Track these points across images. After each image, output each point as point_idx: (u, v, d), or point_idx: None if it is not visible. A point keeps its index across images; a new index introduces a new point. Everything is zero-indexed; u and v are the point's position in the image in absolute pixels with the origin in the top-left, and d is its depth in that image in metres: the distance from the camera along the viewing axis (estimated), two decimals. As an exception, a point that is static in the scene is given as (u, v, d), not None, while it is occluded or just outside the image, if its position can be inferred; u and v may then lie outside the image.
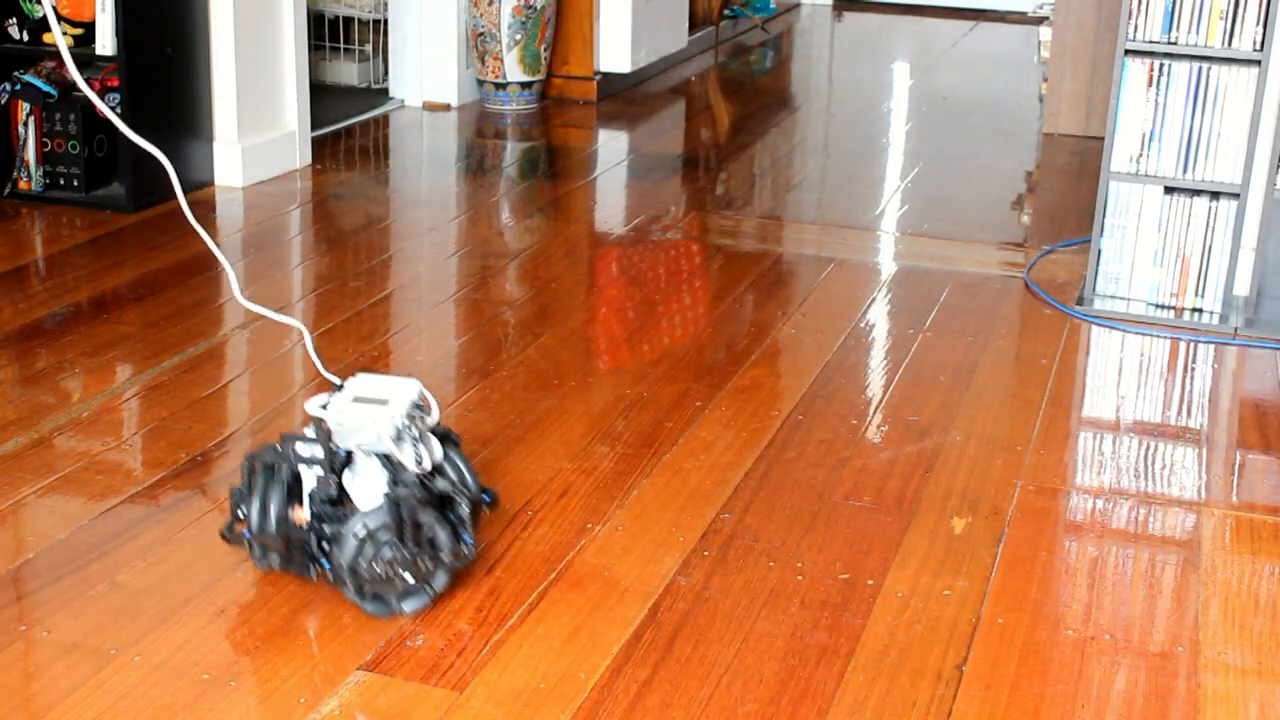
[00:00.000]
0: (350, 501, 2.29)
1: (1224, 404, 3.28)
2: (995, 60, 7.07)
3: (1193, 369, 3.44)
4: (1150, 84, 3.62)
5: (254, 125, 4.60)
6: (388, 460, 2.30)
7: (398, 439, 2.30)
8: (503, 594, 2.38)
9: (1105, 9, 5.40)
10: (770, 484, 2.77)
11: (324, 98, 5.53)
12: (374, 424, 2.29)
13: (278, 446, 2.31)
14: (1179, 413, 3.20)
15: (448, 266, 3.99)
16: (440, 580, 2.31)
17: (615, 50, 6.01)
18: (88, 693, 2.09)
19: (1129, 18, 3.60)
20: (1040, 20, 6.09)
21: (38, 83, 4.25)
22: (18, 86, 4.28)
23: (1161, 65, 3.61)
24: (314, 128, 5.05)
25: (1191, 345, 3.56)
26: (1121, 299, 3.78)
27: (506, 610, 2.33)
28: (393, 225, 4.30)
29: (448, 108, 5.71)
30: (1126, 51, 3.63)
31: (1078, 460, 2.93)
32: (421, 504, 2.27)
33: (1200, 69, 3.58)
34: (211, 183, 4.52)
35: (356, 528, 2.22)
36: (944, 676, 2.20)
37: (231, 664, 2.17)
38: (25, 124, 4.29)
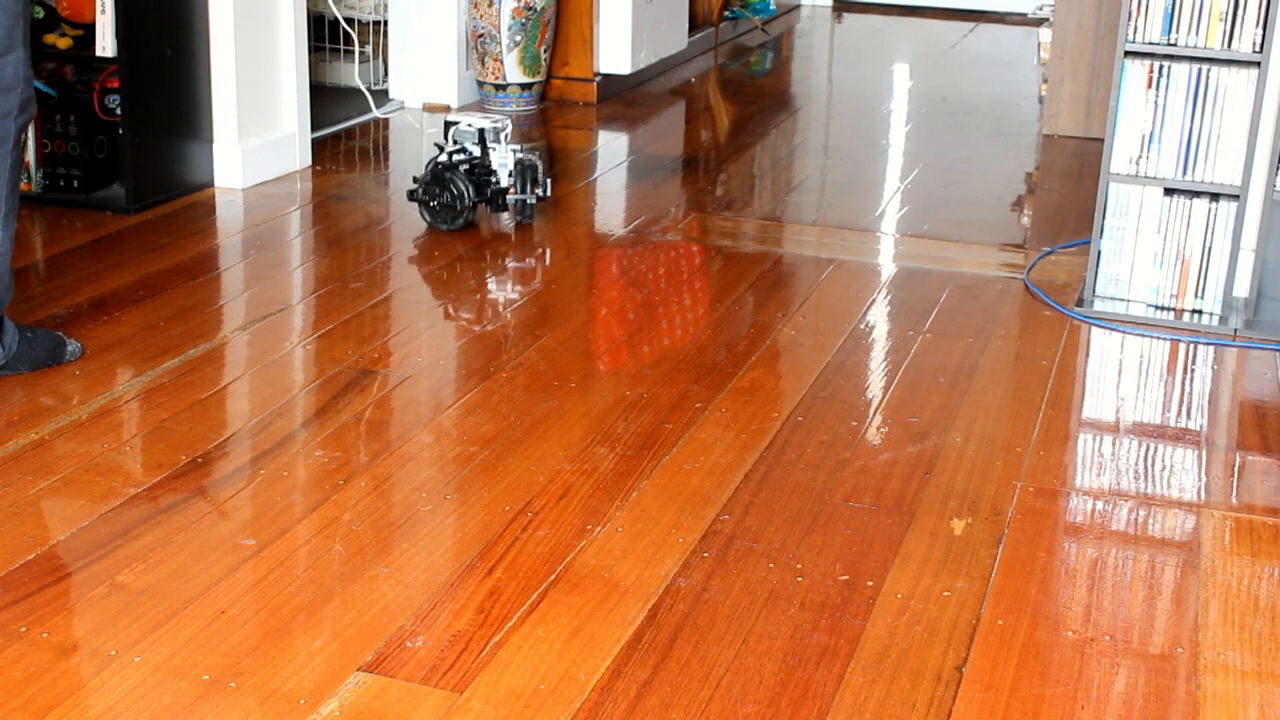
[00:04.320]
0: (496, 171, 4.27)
1: (1224, 405, 3.28)
2: (995, 62, 7.08)
3: (1192, 370, 3.44)
4: (1150, 85, 3.62)
5: (254, 127, 4.60)
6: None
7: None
8: (503, 595, 2.38)
9: (1105, 10, 5.41)
10: (770, 485, 2.77)
11: (324, 99, 5.53)
12: (508, 124, 4.35)
13: (441, 163, 4.23)
14: (1179, 414, 3.20)
15: (448, 268, 3.99)
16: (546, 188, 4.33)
17: (615, 52, 6.01)
18: (88, 694, 2.10)
19: (1129, 19, 3.60)
20: (1040, 22, 6.09)
21: (38, 84, 4.25)
22: (18, 88, 4.27)
23: (1161, 67, 3.61)
24: (314, 129, 5.05)
25: (1191, 347, 3.56)
26: (1121, 300, 3.78)
27: (506, 611, 2.33)
28: (393, 227, 4.30)
29: (448, 109, 5.72)
30: (1126, 53, 3.63)
31: (1077, 462, 2.94)
32: (533, 159, 4.29)
33: (1200, 70, 3.58)
34: (211, 184, 4.52)
35: (522, 171, 4.25)
36: (944, 678, 2.20)
37: (231, 665, 2.18)
38: (25, 125, 4.29)
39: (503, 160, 4.25)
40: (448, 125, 4.32)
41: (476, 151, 4.27)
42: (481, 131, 4.28)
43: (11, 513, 2.59)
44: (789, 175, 5.03)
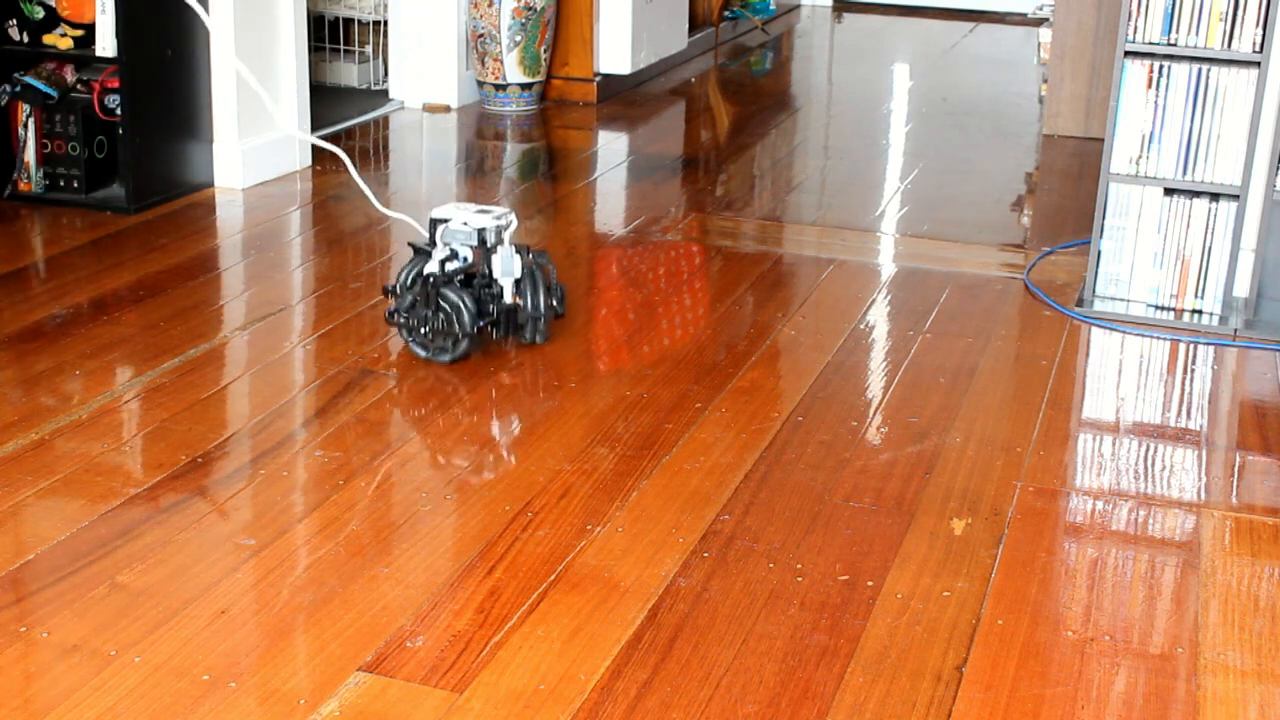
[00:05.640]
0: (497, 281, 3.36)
1: (1224, 405, 3.28)
2: (995, 62, 7.08)
3: (1192, 370, 3.44)
4: (1150, 85, 3.62)
5: (254, 127, 4.60)
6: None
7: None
8: (503, 595, 2.38)
9: (1105, 10, 5.41)
10: (770, 485, 2.77)
11: (324, 99, 5.53)
12: (512, 218, 3.41)
13: (433, 275, 3.27)
14: (1179, 414, 3.20)
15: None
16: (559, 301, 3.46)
17: (615, 52, 6.01)
18: (88, 694, 2.10)
19: (1129, 19, 3.60)
20: (1040, 22, 6.09)
21: (38, 84, 4.25)
22: (18, 88, 4.28)
23: (1161, 67, 3.61)
24: (314, 129, 5.05)
25: (1191, 347, 3.56)
26: (1121, 300, 3.78)
27: (506, 611, 2.33)
28: (392, 227, 4.30)
29: (447, 109, 5.72)
30: (1126, 53, 3.63)
31: (1078, 462, 2.94)
32: (543, 260, 3.43)
33: (1200, 70, 3.58)
34: (211, 184, 4.52)
35: (532, 278, 3.36)
36: (944, 678, 2.20)
37: (231, 665, 2.18)
38: (25, 126, 4.29)
39: (506, 266, 3.34)
40: (434, 223, 3.37)
41: (470, 254, 3.33)
42: (481, 233, 3.32)
43: (12, 512, 2.59)
44: (789, 175, 5.03)
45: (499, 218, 3.36)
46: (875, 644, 2.27)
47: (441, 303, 3.24)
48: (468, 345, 3.27)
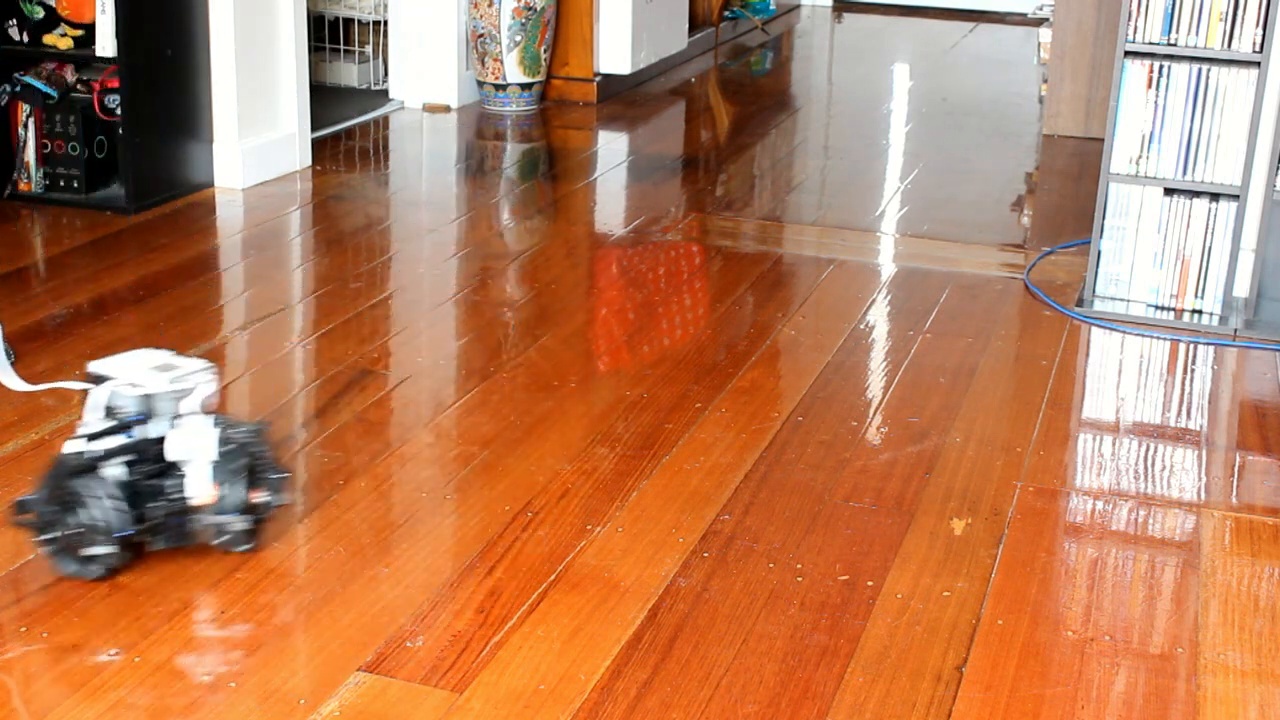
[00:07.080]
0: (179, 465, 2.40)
1: (1224, 405, 3.28)
2: (995, 62, 7.08)
3: (1192, 370, 3.44)
4: (1150, 85, 3.62)
5: (254, 127, 4.60)
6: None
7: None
8: (503, 595, 2.38)
9: (1105, 10, 5.41)
10: (770, 485, 2.77)
11: (324, 99, 5.53)
12: (209, 378, 2.44)
13: (70, 457, 2.33)
14: (1179, 414, 3.20)
15: (448, 268, 3.99)
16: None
17: (615, 52, 6.01)
18: (88, 694, 2.10)
19: (1129, 19, 3.60)
20: (1040, 22, 6.09)
21: (38, 84, 4.25)
22: (18, 88, 4.28)
23: (1161, 67, 3.61)
24: (314, 129, 5.05)
25: (1191, 347, 3.56)
26: (1121, 300, 3.78)
27: (507, 611, 2.33)
28: (393, 227, 4.30)
29: (447, 109, 5.72)
30: (1126, 53, 3.63)
31: (1078, 462, 2.94)
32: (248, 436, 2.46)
33: (1200, 70, 3.58)
34: (211, 184, 4.52)
35: (228, 464, 2.39)
36: (944, 678, 2.20)
37: (231, 665, 2.18)
38: (25, 125, 4.29)
39: (190, 447, 2.37)
40: (94, 380, 2.40)
41: (152, 429, 2.38)
42: (148, 399, 2.36)
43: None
44: (789, 175, 5.03)
45: (179, 379, 2.39)
46: (875, 644, 2.27)
47: (77, 501, 2.30)
48: (114, 558, 2.34)
